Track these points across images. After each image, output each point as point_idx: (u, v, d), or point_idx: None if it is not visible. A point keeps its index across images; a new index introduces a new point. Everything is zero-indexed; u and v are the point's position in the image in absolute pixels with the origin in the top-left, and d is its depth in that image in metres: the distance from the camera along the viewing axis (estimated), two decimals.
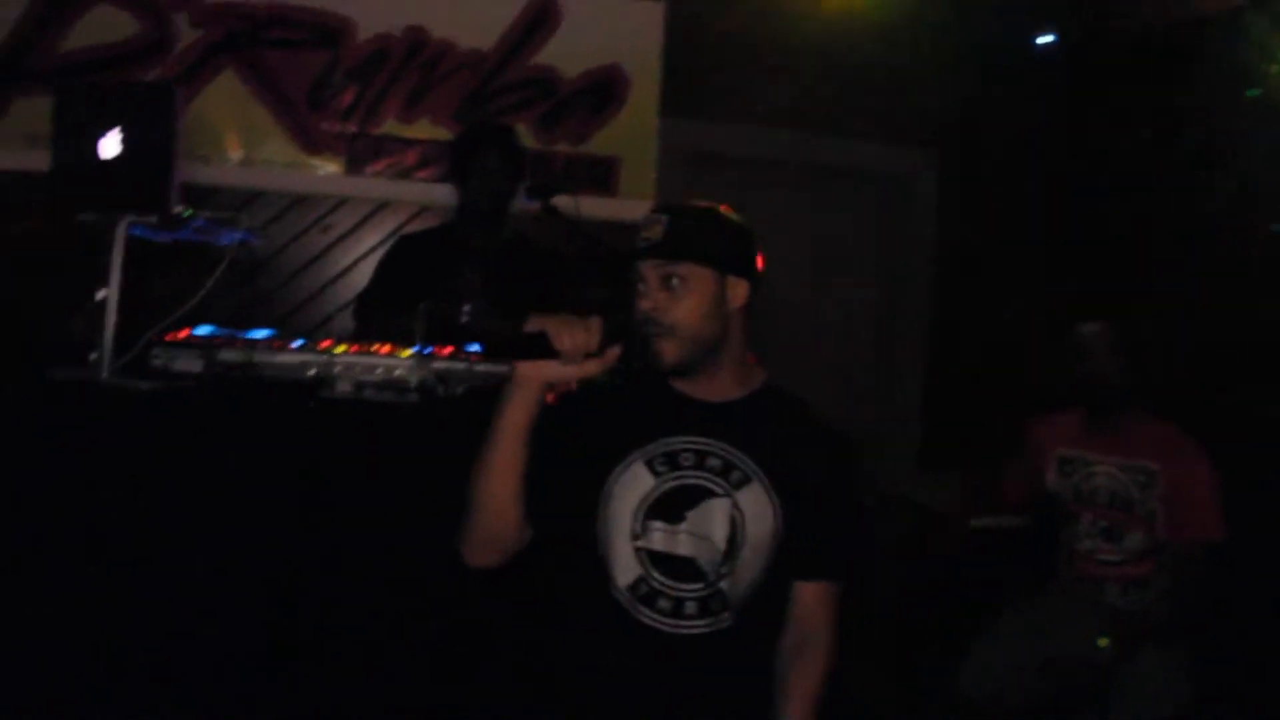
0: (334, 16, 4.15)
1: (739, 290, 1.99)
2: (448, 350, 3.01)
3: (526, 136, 4.28)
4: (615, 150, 4.37)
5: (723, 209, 2.06)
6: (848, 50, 4.48)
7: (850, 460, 2.07)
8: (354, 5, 4.16)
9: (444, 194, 4.04)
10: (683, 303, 1.95)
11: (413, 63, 4.21)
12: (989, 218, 4.62)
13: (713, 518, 1.95)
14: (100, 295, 2.87)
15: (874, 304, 4.70)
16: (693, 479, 1.96)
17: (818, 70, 4.46)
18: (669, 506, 1.95)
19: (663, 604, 1.94)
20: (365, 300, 3.70)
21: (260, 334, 3.06)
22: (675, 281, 1.95)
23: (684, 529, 1.95)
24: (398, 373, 2.93)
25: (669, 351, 1.95)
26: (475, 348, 3.06)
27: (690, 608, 1.95)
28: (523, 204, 3.59)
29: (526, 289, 3.40)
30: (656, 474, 1.97)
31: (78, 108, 2.89)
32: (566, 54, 4.31)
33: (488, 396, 2.99)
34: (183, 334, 2.91)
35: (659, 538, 1.95)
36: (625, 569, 1.95)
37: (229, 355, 2.92)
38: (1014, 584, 3.44)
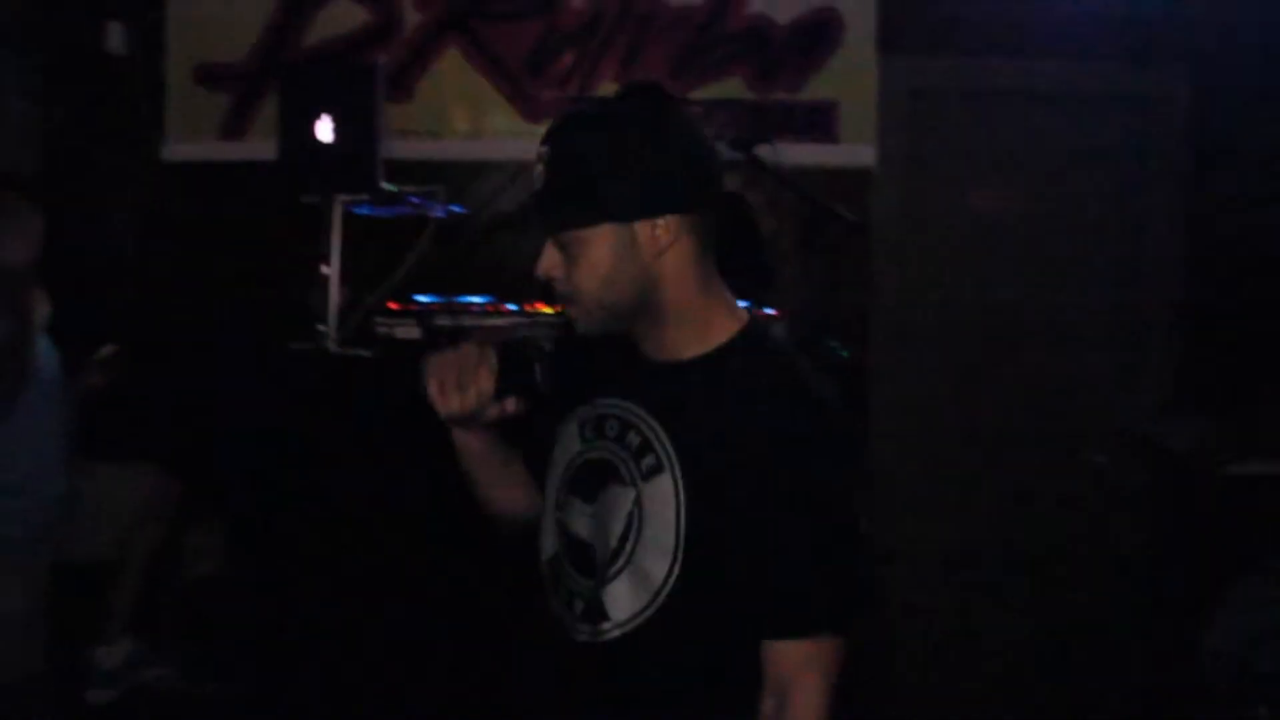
0: None
1: (661, 231, 1.51)
2: None
3: (742, 89, 4.27)
4: (833, 94, 4.26)
5: (638, 113, 1.54)
6: None
7: (818, 451, 1.49)
8: None
9: None
10: (579, 267, 1.53)
11: (626, 23, 4.26)
12: (1251, 143, 4.20)
13: (616, 507, 1.58)
14: (324, 271, 3.12)
15: (1120, 235, 4.37)
16: (608, 454, 1.61)
17: None
18: (585, 481, 1.64)
19: (561, 594, 1.65)
20: None
21: (475, 299, 3.25)
22: (569, 242, 1.53)
23: (591, 512, 1.62)
24: None
25: (578, 319, 1.58)
26: None
27: (578, 607, 1.61)
28: (727, 156, 3.58)
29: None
30: (583, 440, 1.66)
31: (297, 95, 3.13)
32: (778, 0, 4.24)
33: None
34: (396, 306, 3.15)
35: (573, 515, 1.64)
36: (547, 543, 1.70)
37: (443, 320, 3.13)
38: (1269, 538, 3.17)
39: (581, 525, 1.63)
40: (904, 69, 4.24)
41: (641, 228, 1.52)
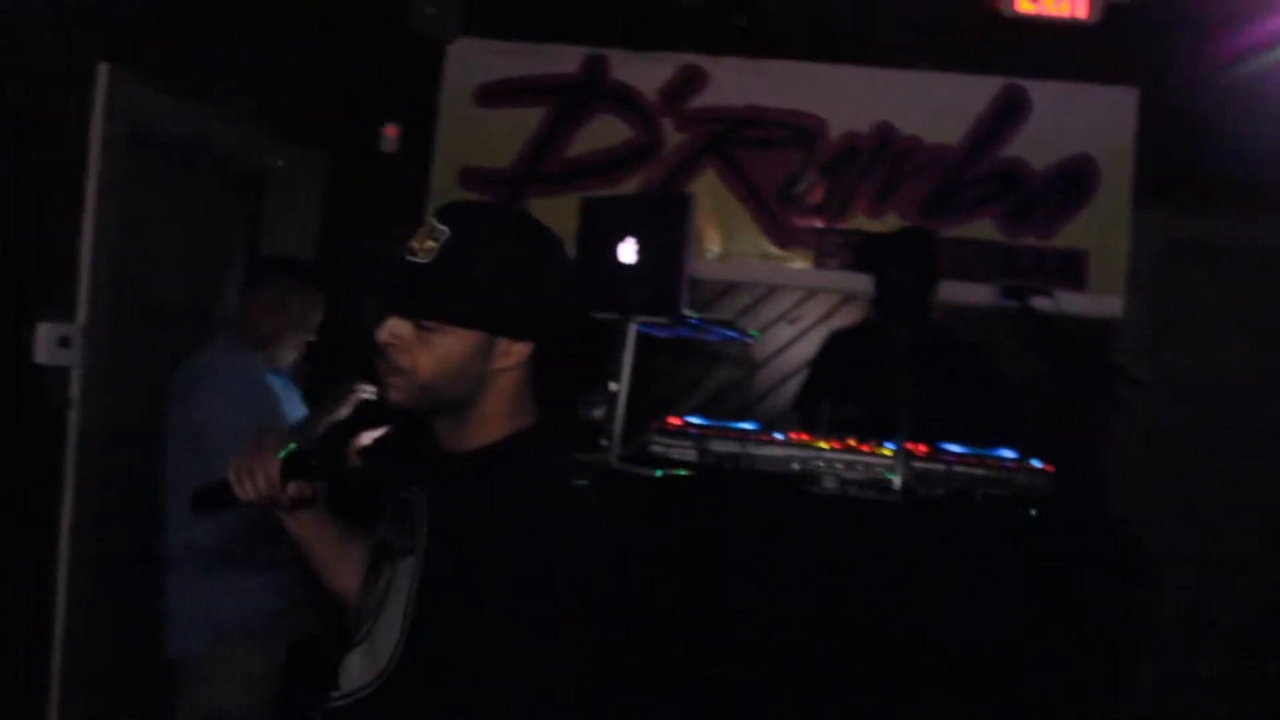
0: (807, 115, 4.36)
1: (514, 352, 1.59)
2: (924, 449, 3.10)
3: (992, 230, 4.30)
4: (1084, 243, 4.26)
5: (543, 238, 1.62)
6: None
7: (497, 541, 1.50)
8: (826, 104, 4.36)
9: None
10: (428, 350, 1.56)
11: (881, 158, 4.34)
12: None
13: (378, 586, 1.65)
14: (612, 387, 3.18)
15: None
16: (388, 535, 1.68)
17: None
18: (374, 560, 1.70)
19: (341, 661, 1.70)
20: (805, 393, 3.82)
21: (747, 426, 3.28)
22: (428, 326, 1.56)
23: (367, 590, 1.69)
24: (879, 470, 3.05)
25: (396, 391, 1.59)
26: (954, 448, 3.11)
27: (343, 677, 1.65)
28: (999, 303, 3.60)
29: (951, 378, 3.46)
30: (384, 521, 1.72)
31: (600, 216, 3.23)
32: (1035, 145, 4.28)
33: (965, 499, 3.03)
34: (677, 422, 3.18)
35: (363, 591, 1.70)
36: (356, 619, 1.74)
37: (721, 446, 3.16)
38: None
39: (363, 600, 1.69)
40: (1158, 222, 4.22)
41: (501, 342, 1.58)
